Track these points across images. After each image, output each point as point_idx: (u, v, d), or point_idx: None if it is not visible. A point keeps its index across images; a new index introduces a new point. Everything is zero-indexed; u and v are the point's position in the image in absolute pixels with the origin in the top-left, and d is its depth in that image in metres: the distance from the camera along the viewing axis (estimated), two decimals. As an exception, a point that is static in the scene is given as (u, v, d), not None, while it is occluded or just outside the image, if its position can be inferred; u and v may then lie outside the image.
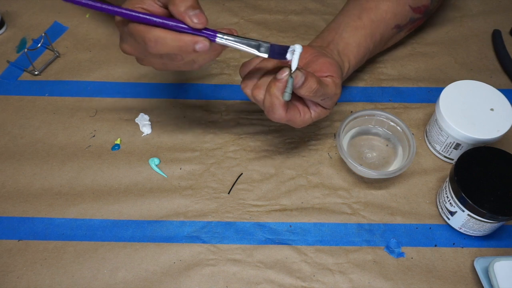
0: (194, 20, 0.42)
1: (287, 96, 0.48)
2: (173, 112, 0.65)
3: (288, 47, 0.47)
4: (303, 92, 0.49)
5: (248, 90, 0.51)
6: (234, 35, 0.46)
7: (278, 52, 0.47)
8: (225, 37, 0.45)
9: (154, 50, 0.43)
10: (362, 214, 0.57)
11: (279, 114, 0.49)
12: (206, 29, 0.44)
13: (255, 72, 0.51)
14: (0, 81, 0.68)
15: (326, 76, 0.52)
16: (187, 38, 0.42)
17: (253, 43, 0.46)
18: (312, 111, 0.53)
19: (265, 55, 0.46)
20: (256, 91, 0.50)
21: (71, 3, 0.42)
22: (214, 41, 0.45)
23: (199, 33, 0.43)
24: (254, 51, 0.46)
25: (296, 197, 0.58)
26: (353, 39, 0.60)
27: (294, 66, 0.47)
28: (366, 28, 0.61)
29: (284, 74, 0.47)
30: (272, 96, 0.48)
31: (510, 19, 0.76)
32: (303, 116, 0.52)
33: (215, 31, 0.45)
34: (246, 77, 0.52)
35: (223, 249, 0.54)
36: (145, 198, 0.57)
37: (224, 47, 0.46)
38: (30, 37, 0.73)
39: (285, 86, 0.47)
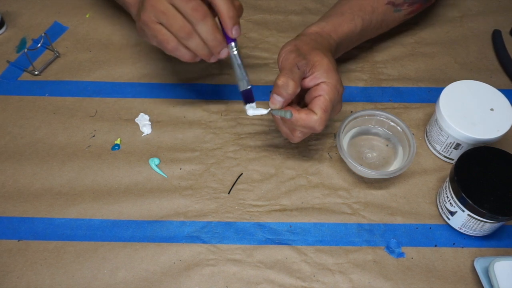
0: (234, 33, 0.51)
1: (288, 115, 0.52)
2: (173, 112, 0.65)
3: (253, 102, 0.54)
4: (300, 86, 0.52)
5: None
6: (240, 58, 0.53)
7: (248, 98, 0.54)
8: (235, 51, 0.53)
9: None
10: (362, 214, 0.57)
11: (297, 136, 0.55)
12: (228, 38, 0.52)
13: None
14: (0, 81, 0.68)
15: (319, 96, 0.53)
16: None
17: (244, 74, 0.53)
18: (318, 110, 0.52)
19: (240, 89, 0.54)
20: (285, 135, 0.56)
21: None
22: (229, 42, 0.52)
23: (226, 35, 0.52)
24: (238, 78, 0.53)
25: (296, 197, 0.58)
26: (334, 11, 0.62)
27: (259, 112, 0.55)
28: (352, 1, 0.62)
29: (273, 112, 0.53)
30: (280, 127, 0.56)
31: (510, 19, 0.76)
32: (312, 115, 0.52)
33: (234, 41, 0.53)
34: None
35: (223, 249, 0.54)
36: (145, 198, 0.57)
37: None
38: (30, 37, 0.73)
39: (279, 118, 0.54)
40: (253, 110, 0.55)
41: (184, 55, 0.52)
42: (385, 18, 0.65)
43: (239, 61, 0.53)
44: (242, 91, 0.54)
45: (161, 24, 0.50)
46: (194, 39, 0.50)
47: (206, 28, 0.49)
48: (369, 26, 0.64)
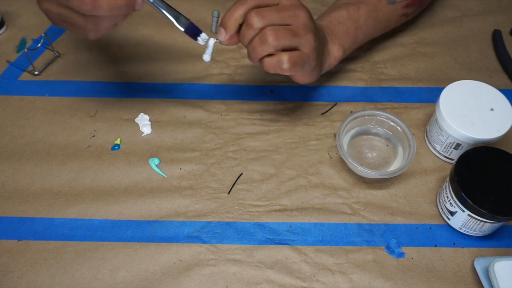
0: None
1: (216, 13, 0.52)
2: (173, 112, 0.65)
3: (201, 32, 0.52)
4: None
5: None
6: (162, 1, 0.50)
7: (194, 32, 0.52)
8: None
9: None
10: (362, 214, 0.57)
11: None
12: None
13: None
14: (0, 81, 0.68)
15: None
16: None
17: (174, 13, 0.50)
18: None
19: (182, 28, 0.51)
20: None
21: None
22: None
23: None
24: (173, 20, 0.51)
25: (296, 197, 0.58)
26: (329, 10, 0.64)
27: (210, 46, 0.53)
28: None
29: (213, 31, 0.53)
30: None
31: (510, 19, 0.76)
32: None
33: None
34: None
35: (223, 249, 0.54)
36: (145, 198, 0.57)
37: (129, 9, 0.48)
38: (30, 37, 0.73)
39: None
40: (207, 55, 0.53)
41: (112, 27, 0.50)
42: (379, 10, 0.65)
43: (162, 4, 0.49)
44: (185, 30, 0.51)
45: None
46: (104, 22, 0.48)
47: (103, 7, 0.45)
48: (357, 12, 0.63)
